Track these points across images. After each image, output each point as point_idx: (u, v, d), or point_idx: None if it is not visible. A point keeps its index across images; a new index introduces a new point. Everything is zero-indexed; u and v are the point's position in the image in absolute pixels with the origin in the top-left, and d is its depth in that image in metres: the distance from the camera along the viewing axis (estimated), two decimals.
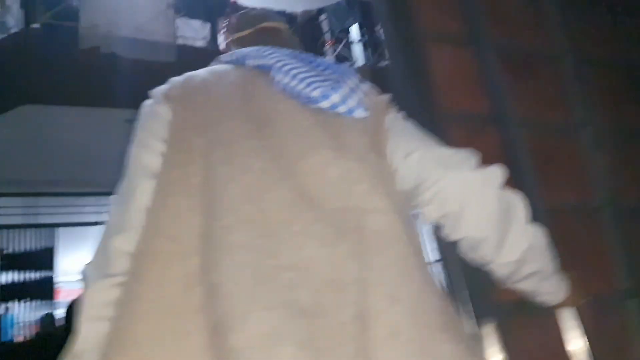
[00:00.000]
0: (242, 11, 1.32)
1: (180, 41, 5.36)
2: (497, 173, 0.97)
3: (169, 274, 0.78)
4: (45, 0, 4.90)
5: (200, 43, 5.70)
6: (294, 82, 0.96)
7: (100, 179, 6.02)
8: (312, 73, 0.98)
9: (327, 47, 6.57)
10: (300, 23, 6.51)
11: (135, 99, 4.26)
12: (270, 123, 0.93)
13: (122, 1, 5.13)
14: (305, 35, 6.54)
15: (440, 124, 1.51)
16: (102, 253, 0.85)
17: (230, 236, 0.78)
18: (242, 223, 0.79)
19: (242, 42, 1.18)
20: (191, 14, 5.71)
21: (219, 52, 5.34)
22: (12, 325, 5.50)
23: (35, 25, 4.72)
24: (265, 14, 1.26)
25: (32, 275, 5.78)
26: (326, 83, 0.96)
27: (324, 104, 0.94)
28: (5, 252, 5.69)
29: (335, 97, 0.94)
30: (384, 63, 6.59)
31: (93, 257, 0.87)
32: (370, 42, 6.42)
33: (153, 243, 0.81)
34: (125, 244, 0.83)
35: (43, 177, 5.76)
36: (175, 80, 1.02)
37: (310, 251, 0.78)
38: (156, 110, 0.96)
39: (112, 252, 0.83)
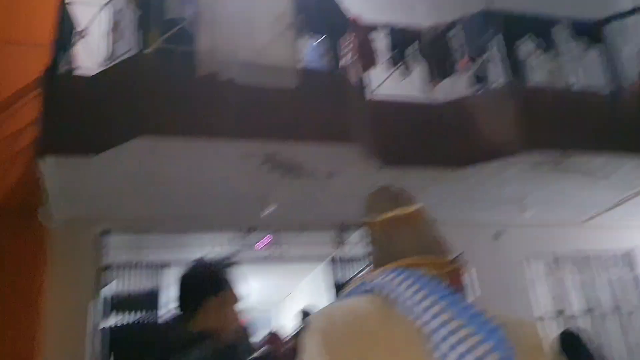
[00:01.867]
0: (379, 189, 1.30)
1: (301, 65, 4.74)
2: None
3: None
4: (159, 24, 4.45)
5: (322, 66, 5.06)
6: None
7: (212, 216, 5.55)
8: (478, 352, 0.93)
9: (460, 67, 5.71)
10: (427, 41, 5.73)
11: (254, 130, 3.46)
12: None
13: (239, 23, 4.60)
14: (432, 54, 5.75)
15: None
16: None
17: None
18: None
19: (376, 226, 1.21)
20: (312, 35, 5.09)
21: (342, 76, 4.39)
22: None
23: (149, 51, 4.28)
24: (401, 199, 1.24)
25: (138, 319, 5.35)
26: None
27: None
28: (113, 293, 5.31)
29: None
30: (528, 83, 5.64)
31: None
32: (510, 60, 5.50)
33: None
34: None
35: (152, 214, 5.34)
36: (323, 326, 1.03)
37: None
38: None
39: None
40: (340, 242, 6.41)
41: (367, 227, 1.24)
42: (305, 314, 6.03)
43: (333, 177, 4.86)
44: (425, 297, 1.00)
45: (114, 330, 5.23)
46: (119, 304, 5.32)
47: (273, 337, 6.22)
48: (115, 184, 4.60)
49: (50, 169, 4.10)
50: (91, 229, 5.26)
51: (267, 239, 5.95)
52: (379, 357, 0.96)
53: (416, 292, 1.01)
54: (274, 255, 6.03)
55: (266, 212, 5.11)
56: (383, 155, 4.82)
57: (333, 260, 6.53)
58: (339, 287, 6.29)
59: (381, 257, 1.16)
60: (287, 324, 9.15)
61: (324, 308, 1.13)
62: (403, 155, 4.96)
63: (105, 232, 5.38)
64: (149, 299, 5.51)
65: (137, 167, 4.36)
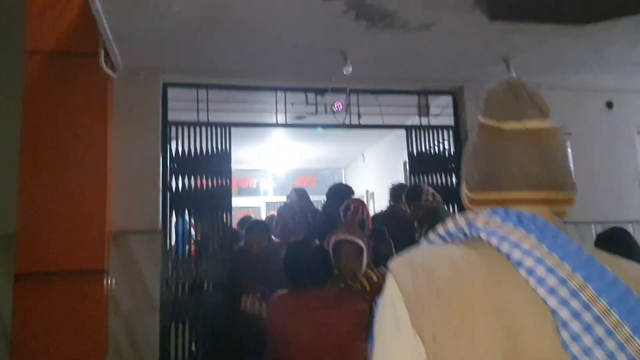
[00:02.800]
0: (511, 85, 0.96)
1: None
2: None
3: None
4: None
5: None
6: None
7: (282, 73, 4.94)
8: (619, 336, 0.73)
9: None
10: None
11: None
12: None
13: None
14: None
15: None
16: None
17: None
18: None
19: (497, 135, 0.93)
20: None
21: None
22: (184, 236, 4.89)
23: None
24: (537, 106, 0.93)
25: (205, 180, 5.02)
26: None
27: None
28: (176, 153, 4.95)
29: None
30: None
31: None
32: None
33: None
34: None
35: (216, 67, 4.79)
36: (410, 282, 0.83)
37: None
38: (403, 336, 0.81)
39: None
40: (423, 109, 5.72)
41: (483, 131, 0.96)
42: (395, 190, 5.28)
43: (429, 30, 4.01)
44: (547, 255, 0.80)
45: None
46: (184, 164, 4.98)
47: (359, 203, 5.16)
48: (176, 30, 3.98)
49: (103, 10, 3.53)
50: (154, 80, 4.79)
51: (342, 101, 5.30)
52: (485, 326, 0.77)
53: (536, 245, 0.81)
54: (348, 119, 5.43)
55: (344, 70, 4.42)
56: (492, 3, 3.88)
57: (412, 128, 5.86)
58: (414, 158, 5.68)
59: (492, 177, 0.92)
60: (357, 185, 8.90)
61: (415, 255, 0.88)
62: (517, 4, 3.98)
63: (169, 85, 4.92)
64: (218, 161, 5.14)
65: (199, 11, 3.69)
